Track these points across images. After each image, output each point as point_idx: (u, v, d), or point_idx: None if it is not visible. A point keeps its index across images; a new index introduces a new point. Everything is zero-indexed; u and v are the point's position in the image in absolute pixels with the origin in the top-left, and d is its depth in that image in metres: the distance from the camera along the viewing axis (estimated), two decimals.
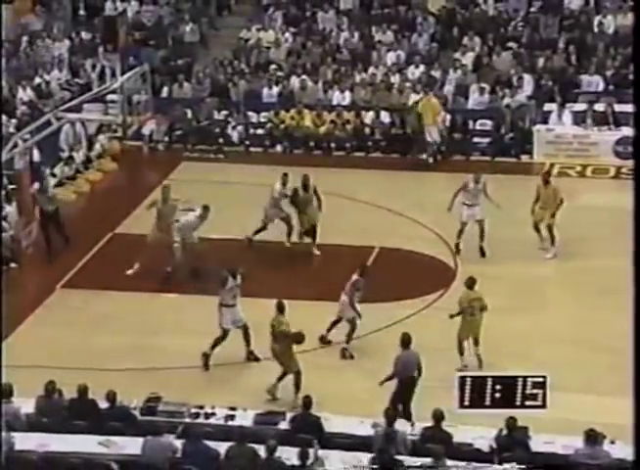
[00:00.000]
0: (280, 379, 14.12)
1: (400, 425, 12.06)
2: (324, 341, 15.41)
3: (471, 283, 14.79)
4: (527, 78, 23.73)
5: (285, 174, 18.27)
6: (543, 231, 17.98)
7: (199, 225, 17.57)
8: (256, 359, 14.98)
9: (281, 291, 15.66)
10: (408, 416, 12.98)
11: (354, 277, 15.24)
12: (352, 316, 15.22)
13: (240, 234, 18.74)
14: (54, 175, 21.35)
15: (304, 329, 14.43)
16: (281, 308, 14.10)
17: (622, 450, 11.65)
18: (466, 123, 23.13)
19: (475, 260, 17.74)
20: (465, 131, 23.09)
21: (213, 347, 14.88)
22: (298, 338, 13.87)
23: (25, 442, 11.74)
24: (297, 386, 13.92)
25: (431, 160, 22.23)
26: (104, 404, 12.41)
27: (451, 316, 14.73)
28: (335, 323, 15.33)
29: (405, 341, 13.36)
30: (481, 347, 14.99)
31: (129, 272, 17.41)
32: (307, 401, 12.37)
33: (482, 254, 17.90)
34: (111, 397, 12.35)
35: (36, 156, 20.97)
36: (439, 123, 22.34)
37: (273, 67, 25.02)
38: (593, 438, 11.48)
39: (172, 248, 17.33)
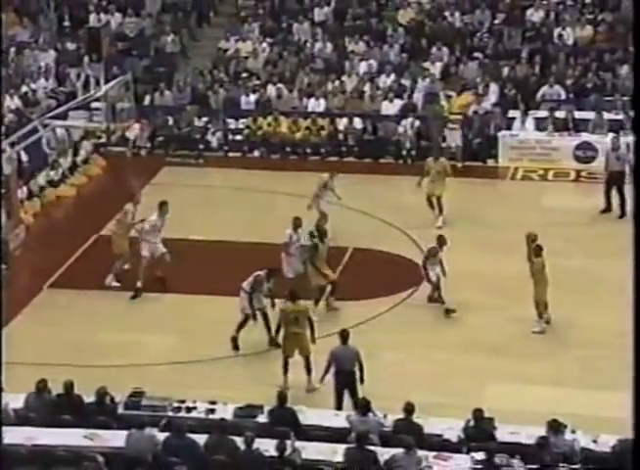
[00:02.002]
0: (309, 369, 14.02)
1: (374, 415, 12.02)
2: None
3: (539, 251, 15.50)
4: (493, 87, 23.78)
5: (297, 218, 16.61)
6: (435, 203, 19.00)
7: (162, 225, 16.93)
8: (277, 345, 14.80)
9: None
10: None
11: None
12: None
13: (220, 236, 18.65)
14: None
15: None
16: (293, 296, 14.17)
17: (583, 440, 11.70)
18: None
19: (447, 260, 17.72)
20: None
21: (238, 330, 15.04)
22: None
23: (13, 435, 11.62)
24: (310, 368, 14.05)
25: (459, 164, 21.85)
26: (90, 399, 12.30)
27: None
28: None
29: (344, 336, 13.39)
30: (458, 341, 15.16)
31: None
32: (283, 396, 12.31)
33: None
34: (101, 392, 12.24)
35: (24, 161, 20.84)
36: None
37: (248, 75, 24.95)
38: (556, 427, 11.50)
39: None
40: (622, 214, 19.27)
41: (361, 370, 13.25)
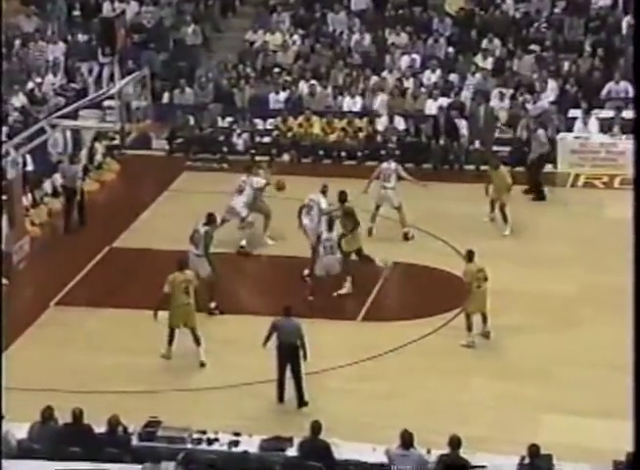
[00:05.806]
0: (198, 341, 15.49)
1: (417, 450, 12.03)
2: None
3: (471, 255, 15.89)
4: (551, 83, 23.79)
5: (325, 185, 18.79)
6: (497, 211, 19.70)
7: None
8: (222, 313, 16.63)
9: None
10: (300, 392, 14.18)
11: None
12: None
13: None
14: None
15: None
16: (182, 266, 15.63)
17: None
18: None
19: (491, 278, 17.71)
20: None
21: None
22: None
23: (17, 468, 11.75)
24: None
25: None
26: (100, 429, 12.41)
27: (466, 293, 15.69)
28: None
29: (287, 310, 14.54)
30: (504, 367, 15.09)
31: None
32: (316, 426, 12.34)
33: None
34: (113, 422, 12.34)
35: (30, 165, 21.10)
36: None
37: (277, 70, 25.13)
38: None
39: None
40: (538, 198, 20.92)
41: (303, 346, 14.25)
